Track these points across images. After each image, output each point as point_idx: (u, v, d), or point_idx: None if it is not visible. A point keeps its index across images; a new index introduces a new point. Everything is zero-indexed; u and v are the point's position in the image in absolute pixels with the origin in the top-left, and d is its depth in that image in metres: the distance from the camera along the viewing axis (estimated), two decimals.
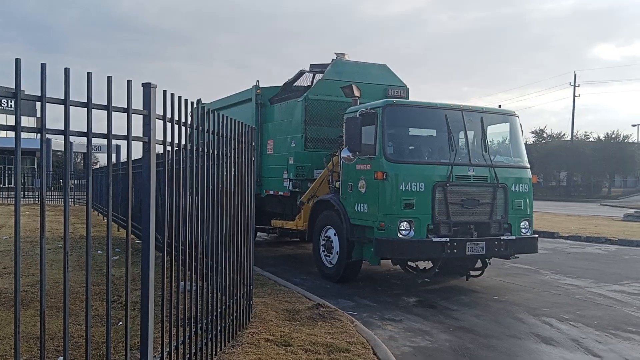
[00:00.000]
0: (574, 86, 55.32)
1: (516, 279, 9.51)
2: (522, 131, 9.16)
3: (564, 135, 58.09)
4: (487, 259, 8.71)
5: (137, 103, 3.29)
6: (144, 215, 3.40)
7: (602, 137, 56.20)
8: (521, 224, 8.39)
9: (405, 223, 7.64)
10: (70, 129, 2.78)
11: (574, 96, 55.37)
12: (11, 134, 2.61)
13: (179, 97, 3.79)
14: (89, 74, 2.87)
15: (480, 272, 8.82)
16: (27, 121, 37.01)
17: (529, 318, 6.88)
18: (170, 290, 3.92)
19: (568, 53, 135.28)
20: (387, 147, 7.95)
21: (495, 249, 8.03)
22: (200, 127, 4.32)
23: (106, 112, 3.00)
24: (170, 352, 3.83)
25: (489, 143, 8.52)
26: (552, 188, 57.15)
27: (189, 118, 4.01)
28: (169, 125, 3.66)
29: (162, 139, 3.61)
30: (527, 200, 8.52)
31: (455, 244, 7.64)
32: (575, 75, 55.45)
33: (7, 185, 38.83)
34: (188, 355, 4.11)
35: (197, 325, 4.31)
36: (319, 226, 9.30)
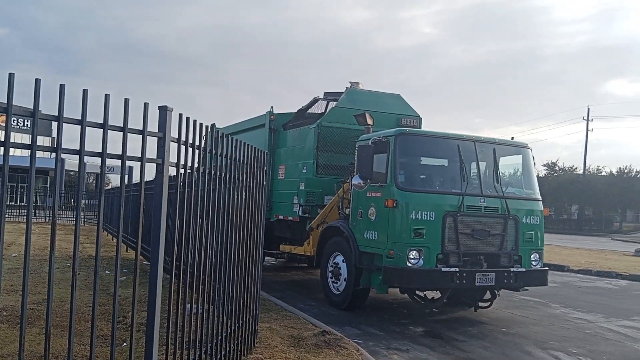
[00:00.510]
0: (587, 120, 55.42)
1: (525, 311, 9.39)
2: (534, 163, 9.14)
3: (576, 168, 58.00)
4: (496, 291, 8.61)
5: (152, 126, 3.33)
6: (154, 237, 3.41)
7: (614, 171, 56.08)
8: (531, 256, 8.31)
9: (414, 252, 7.59)
10: (85, 149, 2.81)
11: (587, 130, 55.43)
12: (25, 152, 2.64)
13: (194, 121, 3.83)
14: (106, 96, 2.91)
15: (489, 303, 8.73)
16: (42, 140, 37.32)
17: (537, 351, 6.78)
18: (176, 312, 3.91)
19: (580, 87, 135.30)
20: (398, 175, 7.94)
21: (505, 281, 7.95)
22: (213, 151, 4.35)
23: (121, 133, 3.03)
24: None
25: (501, 174, 8.50)
26: (563, 221, 56.75)
27: (203, 141, 4.04)
28: (182, 147, 3.69)
29: (175, 161, 3.63)
30: (538, 233, 8.46)
31: (464, 274, 7.57)
32: (588, 109, 55.71)
33: (19, 203, 39.11)
34: None
35: (201, 348, 4.28)
36: (327, 252, 9.26)
